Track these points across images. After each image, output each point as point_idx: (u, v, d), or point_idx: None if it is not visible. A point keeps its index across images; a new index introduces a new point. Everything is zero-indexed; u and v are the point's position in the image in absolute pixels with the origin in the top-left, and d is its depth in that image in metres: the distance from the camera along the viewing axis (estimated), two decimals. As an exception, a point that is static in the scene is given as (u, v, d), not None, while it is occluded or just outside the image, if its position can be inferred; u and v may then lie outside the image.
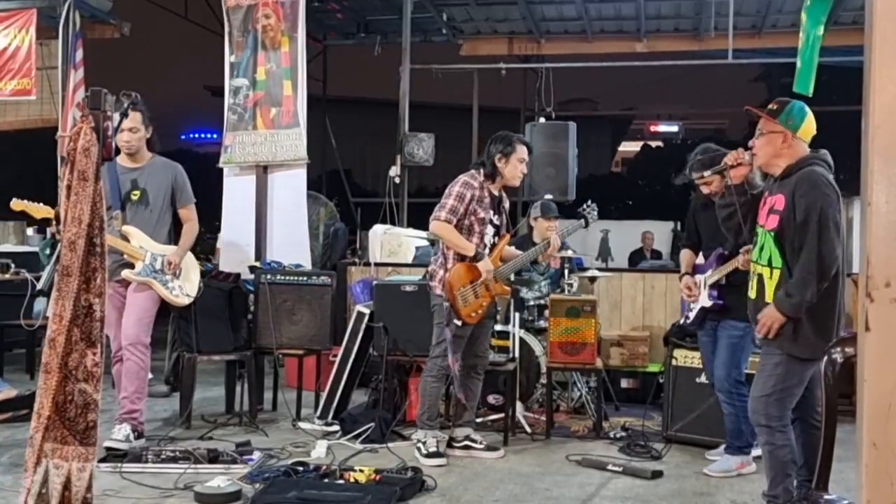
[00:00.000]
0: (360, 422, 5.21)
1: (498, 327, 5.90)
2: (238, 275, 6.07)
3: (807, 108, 3.69)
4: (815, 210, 3.47)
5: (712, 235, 4.72)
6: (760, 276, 3.71)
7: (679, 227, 14.04)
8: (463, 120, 13.69)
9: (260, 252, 7.58)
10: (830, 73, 8.05)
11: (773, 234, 3.62)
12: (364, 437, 5.10)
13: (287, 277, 5.96)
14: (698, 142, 4.96)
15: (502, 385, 5.62)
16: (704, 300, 4.73)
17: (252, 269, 6.52)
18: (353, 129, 18.58)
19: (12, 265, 7.46)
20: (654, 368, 6.37)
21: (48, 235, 8.63)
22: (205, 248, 9.55)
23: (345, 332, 5.81)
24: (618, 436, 5.35)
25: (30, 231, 10.72)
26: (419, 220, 6.11)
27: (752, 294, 3.80)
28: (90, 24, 9.86)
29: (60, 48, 8.69)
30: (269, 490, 4.01)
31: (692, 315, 4.84)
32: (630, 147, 31.00)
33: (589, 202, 5.35)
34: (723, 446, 4.77)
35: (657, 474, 4.56)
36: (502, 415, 5.45)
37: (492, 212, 4.94)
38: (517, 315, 5.67)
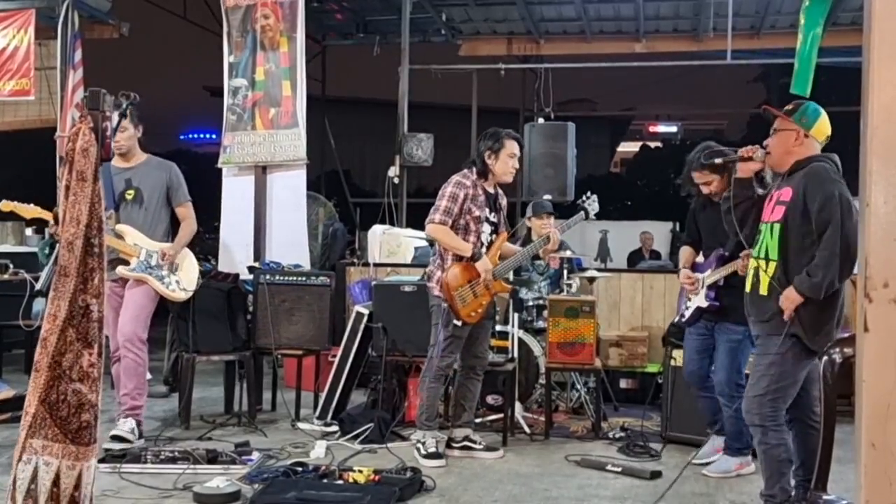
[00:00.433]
0: (359, 422, 5.21)
1: (497, 327, 5.90)
2: (237, 275, 6.07)
3: (821, 110, 3.74)
4: (833, 197, 3.49)
5: (711, 235, 4.73)
6: (756, 270, 3.75)
7: (678, 228, 14.04)
8: (462, 120, 13.69)
9: (259, 252, 7.58)
10: (829, 73, 8.07)
11: (777, 225, 3.65)
12: (363, 437, 5.09)
13: (286, 278, 5.96)
14: (697, 142, 4.96)
15: (501, 385, 5.62)
16: (701, 300, 4.73)
17: (251, 269, 6.52)
18: (352, 130, 18.56)
19: (11, 265, 7.45)
20: (652, 369, 6.37)
21: (47, 236, 8.63)
22: (204, 248, 9.54)
23: (344, 333, 5.81)
24: (617, 436, 5.35)
25: (28, 231, 10.73)
26: (418, 220, 6.11)
27: (747, 288, 3.82)
28: (89, 25, 9.86)
29: (59, 48, 8.69)
30: (268, 490, 4.01)
31: (688, 314, 4.84)
32: (629, 147, 30.95)
33: (588, 193, 5.30)
34: (707, 445, 4.80)
35: (656, 475, 4.57)
36: (501, 415, 5.44)
37: (487, 209, 4.91)
38: (516, 315, 5.67)
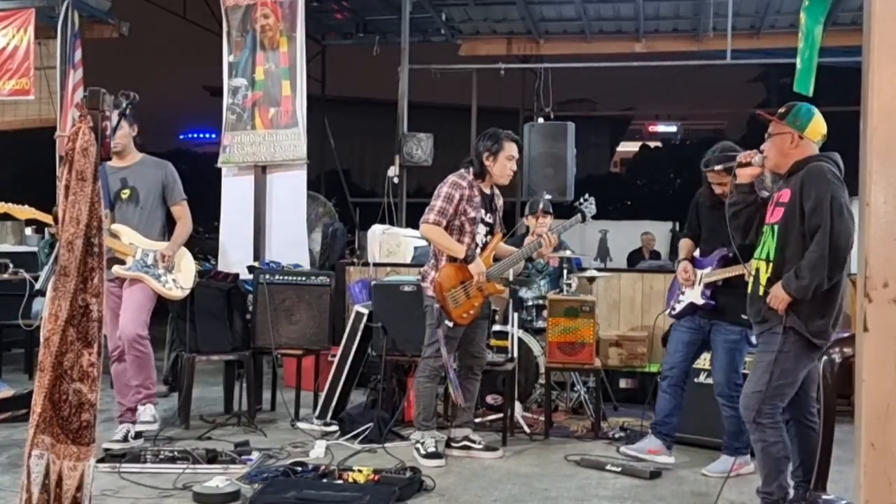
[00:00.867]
0: (359, 422, 5.20)
1: (497, 327, 5.90)
2: (237, 275, 6.07)
3: (814, 110, 3.73)
4: (825, 198, 3.49)
5: (712, 233, 4.71)
6: (757, 271, 3.76)
7: (678, 228, 14.04)
8: (462, 120, 13.69)
9: (259, 252, 7.58)
10: (829, 73, 8.06)
11: (777, 226, 3.65)
12: (363, 437, 5.09)
13: (286, 277, 5.96)
14: (697, 142, 4.96)
15: (501, 385, 5.62)
16: (696, 297, 4.72)
17: (251, 269, 6.52)
18: (352, 129, 18.57)
19: (11, 265, 7.45)
20: (652, 368, 6.37)
21: (47, 235, 8.63)
22: (204, 248, 9.55)
23: (343, 332, 5.81)
24: (616, 436, 5.35)
25: (28, 231, 10.72)
26: (418, 220, 6.10)
27: (749, 288, 3.83)
28: (89, 24, 9.86)
29: (59, 48, 8.69)
30: (268, 490, 4.01)
31: (679, 307, 4.81)
32: (629, 147, 30.96)
33: (586, 196, 5.25)
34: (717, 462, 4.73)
35: (656, 474, 4.57)
36: (501, 415, 5.44)
37: (483, 210, 4.88)
38: (516, 315, 5.67)
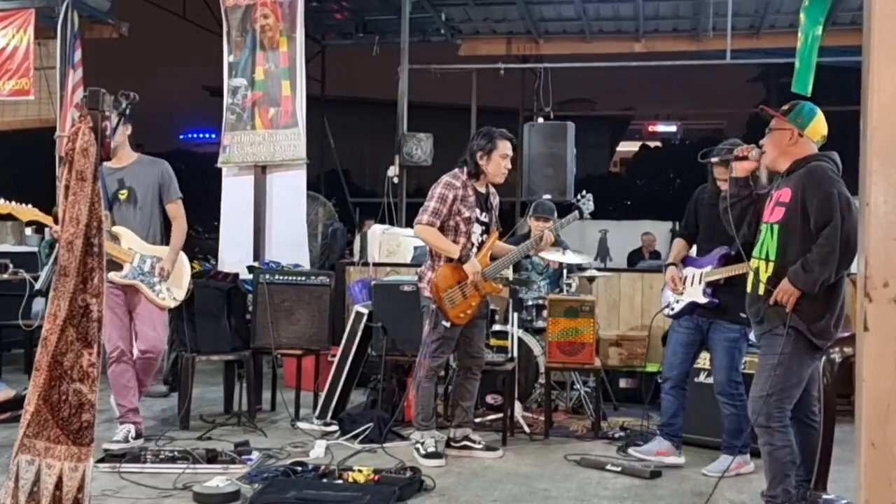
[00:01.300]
0: (359, 422, 5.20)
1: (496, 327, 5.90)
2: (236, 275, 6.07)
3: (817, 110, 3.76)
4: (832, 195, 3.51)
5: (710, 231, 4.69)
6: (757, 270, 3.76)
7: (677, 227, 14.04)
8: (461, 120, 13.70)
9: (258, 252, 7.57)
10: (828, 73, 8.06)
11: (777, 225, 3.66)
12: (363, 437, 5.09)
13: (286, 277, 5.96)
14: (697, 142, 4.96)
15: (501, 385, 5.62)
16: (699, 296, 4.70)
17: (251, 268, 6.52)
18: (352, 129, 18.57)
19: (10, 265, 7.44)
20: (652, 368, 6.37)
21: (47, 235, 8.63)
22: (204, 248, 9.55)
23: (343, 332, 5.81)
24: (616, 436, 5.35)
25: (28, 231, 10.71)
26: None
27: (749, 288, 3.83)
28: (89, 24, 9.86)
29: (59, 48, 8.69)
30: (268, 490, 4.01)
31: (678, 306, 4.79)
32: (628, 147, 30.99)
33: (583, 192, 5.24)
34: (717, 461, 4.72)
35: (656, 474, 4.56)
36: (501, 415, 5.44)
37: (478, 210, 4.87)
38: (516, 315, 5.67)
